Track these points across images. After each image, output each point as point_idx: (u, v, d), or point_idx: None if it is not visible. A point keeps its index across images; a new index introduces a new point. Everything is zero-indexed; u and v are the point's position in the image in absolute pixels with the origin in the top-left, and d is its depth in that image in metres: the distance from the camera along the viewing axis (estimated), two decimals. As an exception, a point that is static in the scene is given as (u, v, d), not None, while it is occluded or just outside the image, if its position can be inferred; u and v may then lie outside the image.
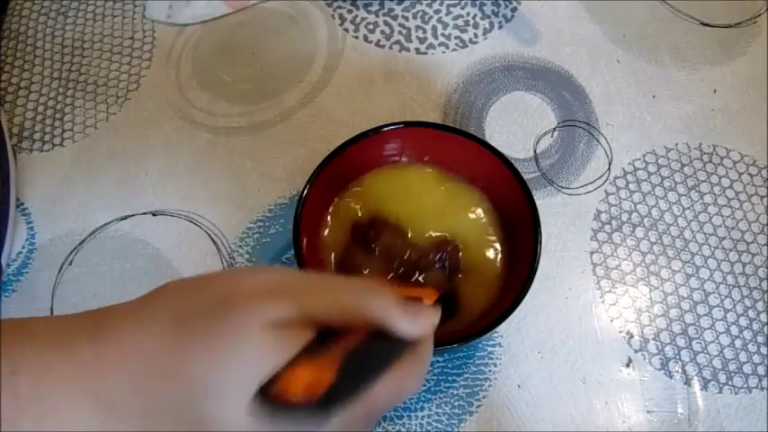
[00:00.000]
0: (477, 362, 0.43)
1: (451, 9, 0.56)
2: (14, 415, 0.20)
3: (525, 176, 0.41)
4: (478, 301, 0.41)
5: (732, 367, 0.43)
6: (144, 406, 0.22)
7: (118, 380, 0.22)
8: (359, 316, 0.24)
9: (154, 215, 0.48)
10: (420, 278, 0.41)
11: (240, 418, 0.22)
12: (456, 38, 0.55)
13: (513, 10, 0.56)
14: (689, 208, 0.48)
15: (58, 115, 0.52)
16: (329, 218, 0.43)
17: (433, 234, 0.42)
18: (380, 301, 0.25)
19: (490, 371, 0.43)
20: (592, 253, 0.47)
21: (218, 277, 0.25)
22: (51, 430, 0.21)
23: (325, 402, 0.21)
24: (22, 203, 0.48)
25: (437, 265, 0.41)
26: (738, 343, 0.44)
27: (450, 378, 0.43)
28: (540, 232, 0.38)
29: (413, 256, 0.40)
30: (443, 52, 0.54)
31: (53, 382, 0.21)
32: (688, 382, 0.43)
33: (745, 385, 0.43)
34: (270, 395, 0.21)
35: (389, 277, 0.40)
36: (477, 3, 0.56)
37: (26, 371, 0.21)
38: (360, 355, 0.24)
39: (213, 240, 0.47)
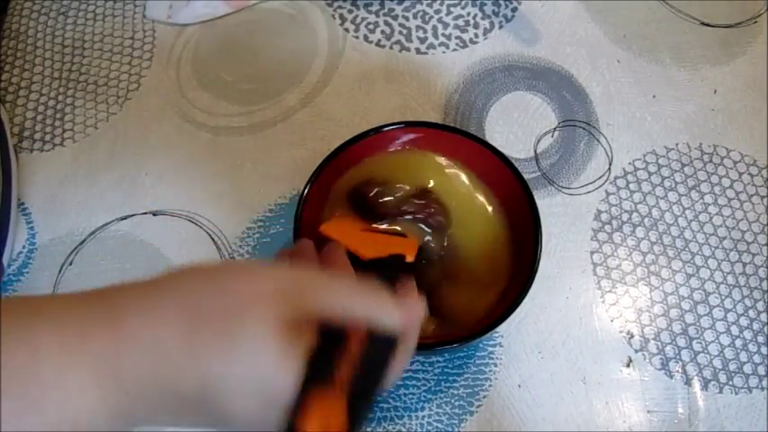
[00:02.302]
0: (477, 362, 0.43)
1: (452, 9, 0.56)
2: (39, 397, 0.22)
3: (526, 176, 0.41)
4: (479, 302, 0.41)
5: (732, 367, 0.43)
6: (157, 396, 0.23)
7: (133, 370, 0.23)
8: (359, 317, 0.26)
9: (154, 215, 0.48)
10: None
11: (248, 412, 0.24)
12: (456, 38, 0.55)
13: (514, 10, 0.56)
14: (689, 208, 0.48)
15: (58, 115, 0.52)
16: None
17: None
18: (378, 303, 0.27)
19: (490, 371, 0.43)
20: (592, 253, 0.47)
21: (227, 274, 0.25)
22: (73, 412, 0.22)
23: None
24: (23, 203, 0.48)
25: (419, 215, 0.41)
26: (739, 343, 0.44)
27: (450, 378, 0.43)
28: (541, 232, 0.38)
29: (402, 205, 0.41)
30: (444, 52, 0.54)
31: (74, 367, 0.22)
32: (688, 382, 0.43)
33: (746, 385, 0.43)
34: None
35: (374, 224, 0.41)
36: (478, 3, 0.56)
37: (49, 356, 0.22)
38: (365, 369, 0.25)
39: (213, 240, 0.47)
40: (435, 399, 0.42)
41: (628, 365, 0.43)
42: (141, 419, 0.24)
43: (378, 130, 0.41)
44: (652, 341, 0.44)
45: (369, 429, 0.41)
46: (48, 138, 0.51)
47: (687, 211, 0.48)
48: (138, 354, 0.23)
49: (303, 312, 0.24)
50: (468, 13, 0.56)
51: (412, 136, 0.43)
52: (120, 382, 0.23)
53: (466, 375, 0.43)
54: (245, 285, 0.25)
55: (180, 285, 0.25)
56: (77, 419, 0.22)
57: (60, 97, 0.52)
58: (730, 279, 0.46)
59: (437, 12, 0.56)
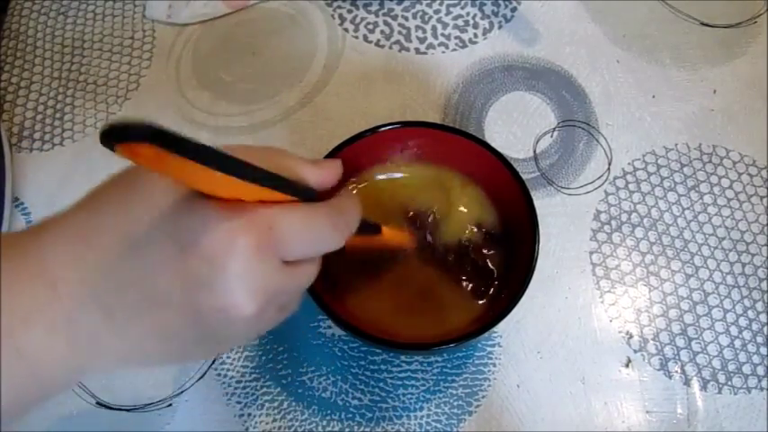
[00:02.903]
0: (476, 362, 0.43)
1: (451, 9, 0.56)
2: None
3: (525, 176, 0.41)
4: (476, 301, 0.41)
5: (731, 367, 0.43)
6: (81, 277, 0.24)
7: (55, 257, 0.24)
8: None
9: (153, 215, 0.48)
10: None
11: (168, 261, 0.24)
12: (456, 38, 0.55)
13: (513, 10, 0.56)
14: (688, 208, 0.48)
15: (57, 115, 0.52)
16: None
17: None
18: (287, 156, 0.29)
19: (489, 371, 0.43)
20: (591, 253, 0.47)
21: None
22: (5, 309, 0.23)
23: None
24: (22, 203, 0.48)
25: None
26: (738, 343, 0.44)
27: (449, 378, 0.43)
28: (539, 232, 0.38)
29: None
30: (443, 52, 0.54)
31: (5, 269, 0.24)
32: (687, 383, 0.43)
33: (745, 385, 0.43)
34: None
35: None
36: (477, 3, 0.56)
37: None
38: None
39: (213, 240, 0.47)
40: (434, 399, 0.42)
41: (627, 366, 0.43)
42: (129, 352, 0.25)
43: (376, 129, 0.41)
44: (651, 341, 0.44)
45: (367, 429, 0.41)
46: (47, 137, 0.51)
47: (686, 212, 0.48)
48: (52, 241, 0.25)
49: None
50: (468, 13, 0.56)
51: (408, 143, 0.43)
52: (43, 276, 0.24)
53: (465, 375, 0.43)
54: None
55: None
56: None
57: (60, 97, 0.52)
58: (729, 279, 0.46)
59: (436, 12, 0.56)
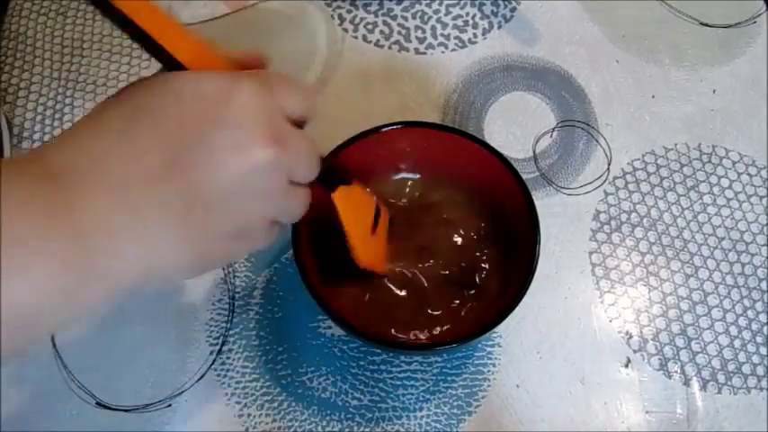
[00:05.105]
0: (475, 362, 0.43)
1: (451, 9, 0.56)
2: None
3: (524, 176, 0.41)
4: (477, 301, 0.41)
5: (731, 367, 0.43)
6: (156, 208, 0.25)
7: (95, 214, 0.24)
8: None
9: (153, 215, 0.48)
10: None
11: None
12: (455, 38, 0.55)
13: (513, 10, 0.56)
14: (688, 208, 0.48)
15: (57, 115, 0.52)
16: None
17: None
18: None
19: (489, 371, 0.43)
20: (591, 253, 0.47)
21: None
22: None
23: None
24: (22, 203, 0.48)
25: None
26: (737, 343, 0.44)
27: (448, 378, 0.43)
28: (539, 232, 0.38)
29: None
30: (442, 52, 0.54)
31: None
32: (687, 383, 0.43)
33: (744, 385, 0.43)
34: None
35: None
36: (477, 3, 0.56)
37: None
38: None
39: (212, 240, 0.47)
40: (434, 399, 0.42)
41: (626, 366, 0.43)
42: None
43: (376, 130, 0.41)
44: (651, 341, 0.44)
45: (367, 430, 0.41)
46: (47, 138, 0.51)
47: (686, 212, 0.48)
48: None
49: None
50: (467, 14, 0.56)
51: (407, 143, 0.43)
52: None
53: (464, 376, 0.43)
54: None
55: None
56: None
57: (60, 98, 0.52)
58: (729, 279, 0.46)
59: (436, 12, 0.56)
